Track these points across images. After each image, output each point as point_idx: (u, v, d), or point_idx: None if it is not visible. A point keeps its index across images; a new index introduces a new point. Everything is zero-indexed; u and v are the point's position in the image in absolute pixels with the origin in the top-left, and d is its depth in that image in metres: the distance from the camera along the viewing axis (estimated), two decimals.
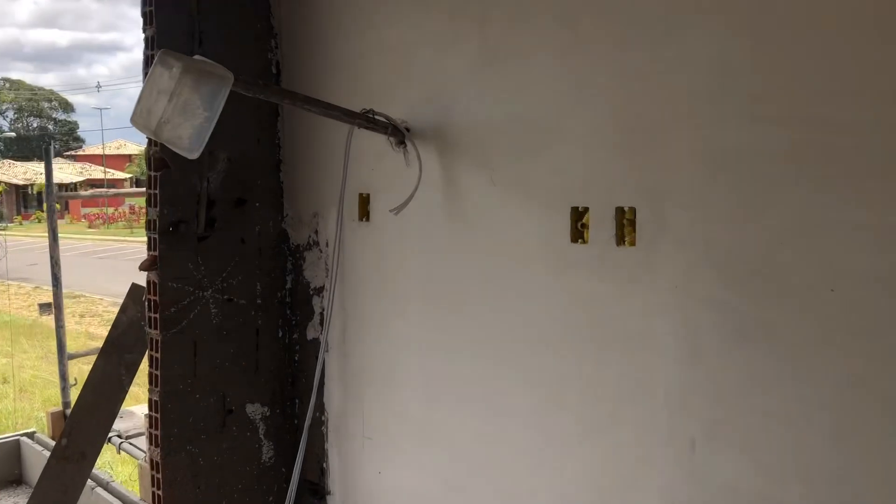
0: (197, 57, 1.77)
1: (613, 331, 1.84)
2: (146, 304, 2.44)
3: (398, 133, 2.19)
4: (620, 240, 1.81)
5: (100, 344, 4.04)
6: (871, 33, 1.45)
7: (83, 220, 40.84)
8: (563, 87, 1.89)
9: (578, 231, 1.89)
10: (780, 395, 1.60)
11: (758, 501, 1.65)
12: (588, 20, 1.85)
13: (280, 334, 2.70)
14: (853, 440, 1.51)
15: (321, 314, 2.61)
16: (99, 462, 4.94)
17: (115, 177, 45.65)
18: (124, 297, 3.83)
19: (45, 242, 6.05)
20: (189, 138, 1.66)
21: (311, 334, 2.66)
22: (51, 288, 5.97)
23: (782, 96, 1.55)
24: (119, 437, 5.52)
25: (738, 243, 1.63)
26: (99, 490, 4.99)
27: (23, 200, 44.47)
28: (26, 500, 4.01)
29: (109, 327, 3.95)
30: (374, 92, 2.31)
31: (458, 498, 2.23)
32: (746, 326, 1.64)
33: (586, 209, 1.87)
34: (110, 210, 41.01)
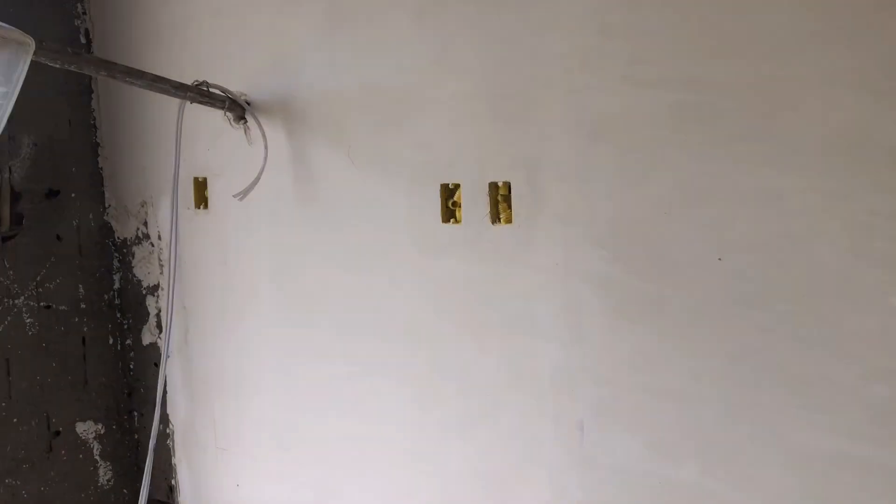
0: None
1: (492, 315, 1.72)
2: None
3: (237, 107, 1.95)
4: (496, 218, 1.68)
5: None
6: None
7: None
8: (424, 52, 1.73)
9: (450, 210, 1.74)
10: (670, 371, 1.54)
11: (651, 480, 1.59)
12: None
13: (111, 341, 2.38)
14: (746, 412, 1.47)
15: (158, 316, 2.32)
16: None
17: None
18: None
19: None
20: None
21: (147, 339, 2.36)
22: None
23: (663, 58, 1.47)
24: None
25: (621, 215, 1.55)
26: None
27: None
28: None
29: None
30: (205, 62, 2.04)
31: None
32: (632, 302, 1.56)
33: (457, 186, 1.73)
34: None
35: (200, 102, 1.87)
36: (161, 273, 2.27)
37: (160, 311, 2.30)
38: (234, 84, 1.96)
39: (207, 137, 2.08)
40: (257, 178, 1.92)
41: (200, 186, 2.14)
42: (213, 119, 2.02)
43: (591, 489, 1.66)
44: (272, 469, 2.14)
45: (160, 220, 2.24)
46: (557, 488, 1.70)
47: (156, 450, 2.25)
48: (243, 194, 1.92)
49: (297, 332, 2.02)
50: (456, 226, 1.74)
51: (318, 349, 1.99)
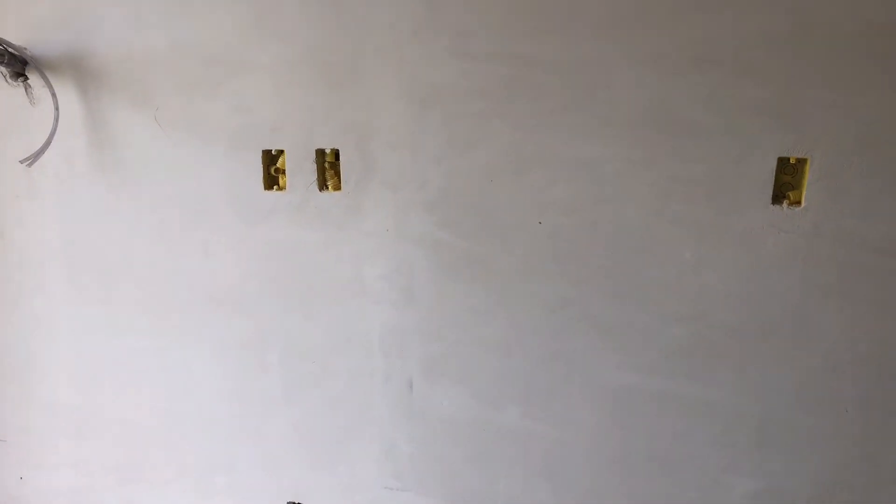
0: None
1: (321, 281, 1.73)
2: None
3: (16, 62, 1.74)
4: (323, 185, 1.69)
5: None
6: None
7: None
8: (245, 13, 1.66)
9: (273, 177, 1.71)
10: (494, 326, 1.67)
11: (477, 427, 1.72)
12: None
13: None
14: (562, 358, 1.64)
15: None
16: None
17: None
18: None
19: None
20: None
21: None
22: None
23: (489, 33, 1.55)
24: None
25: (449, 182, 1.63)
26: None
27: None
28: None
29: None
30: None
31: (135, 488, 1.95)
32: (461, 263, 1.66)
33: (281, 152, 1.70)
34: None
35: None
36: None
37: None
38: (12, 36, 1.74)
39: None
40: (48, 142, 1.74)
41: None
42: None
43: (421, 440, 1.75)
44: (65, 456, 1.99)
45: None
46: (387, 443, 1.77)
47: None
48: (32, 160, 1.73)
49: (95, 308, 1.87)
50: (280, 193, 1.71)
51: (121, 324, 1.86)
